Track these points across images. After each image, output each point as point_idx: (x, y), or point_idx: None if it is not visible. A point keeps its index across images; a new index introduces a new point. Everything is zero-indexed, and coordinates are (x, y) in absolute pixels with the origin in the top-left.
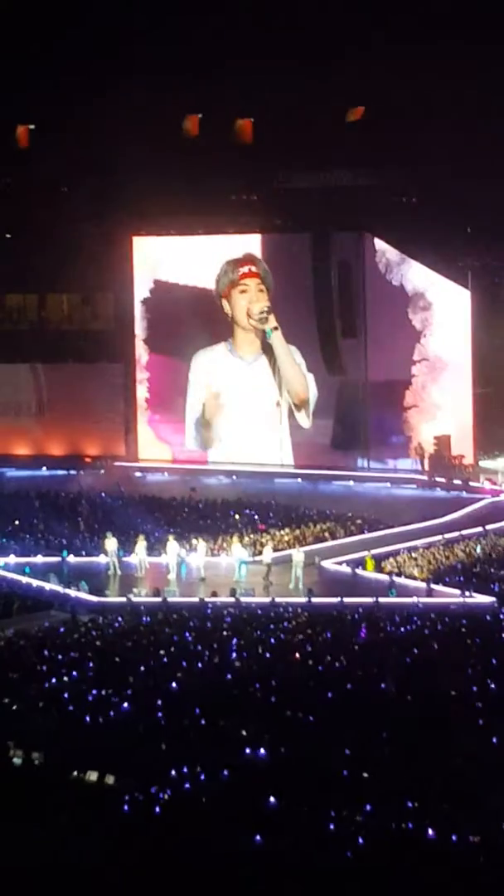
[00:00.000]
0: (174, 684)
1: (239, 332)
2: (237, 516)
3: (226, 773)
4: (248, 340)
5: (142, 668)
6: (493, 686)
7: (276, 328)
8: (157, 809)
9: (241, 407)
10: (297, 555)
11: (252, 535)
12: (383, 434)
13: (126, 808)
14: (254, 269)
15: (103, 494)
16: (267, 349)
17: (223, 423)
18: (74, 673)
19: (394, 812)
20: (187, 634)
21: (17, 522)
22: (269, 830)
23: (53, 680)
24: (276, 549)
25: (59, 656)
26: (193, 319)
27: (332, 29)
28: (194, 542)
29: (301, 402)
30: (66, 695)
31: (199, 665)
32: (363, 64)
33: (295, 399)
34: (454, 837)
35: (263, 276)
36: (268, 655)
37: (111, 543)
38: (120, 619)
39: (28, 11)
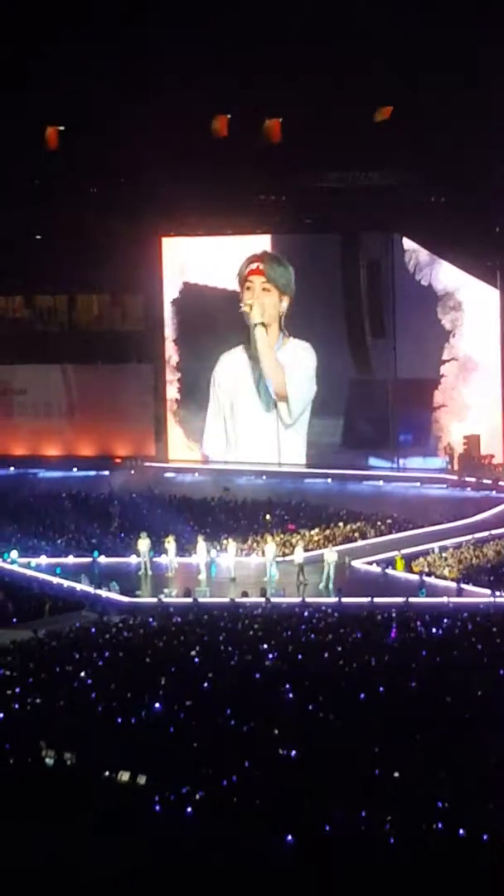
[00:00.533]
0: (205, 684)
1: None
2: (268, 516)
3: (257, 773)
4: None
5: (172, 669)
6: None
7: (261, 323)
8: (189, 810)
9: (252, 408)
10: (330, 554)
11: (282, 535)
12: (412, 434)
13: (157, 808)
14: (261, 266)
15: (134, 495)
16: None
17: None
18: (105, 673)
19: (424, 812)
20: (218, 635)
21: (48, 523)
22: (301, 831)
23: (85, 681)
24: (306, 550)
25: (92, 656)
26: (222, 320)
27: (360, 28)
28: (224, 542)
29: (280, 396)
30: (97, 695)
31: (230, 665)
32: (391, 63)
33: (275, 395)
34: (485, 837)
35: (272, 275)
36: (299, 656)
37: (144, 544)
38: (151, 619)
39: (56, 12)
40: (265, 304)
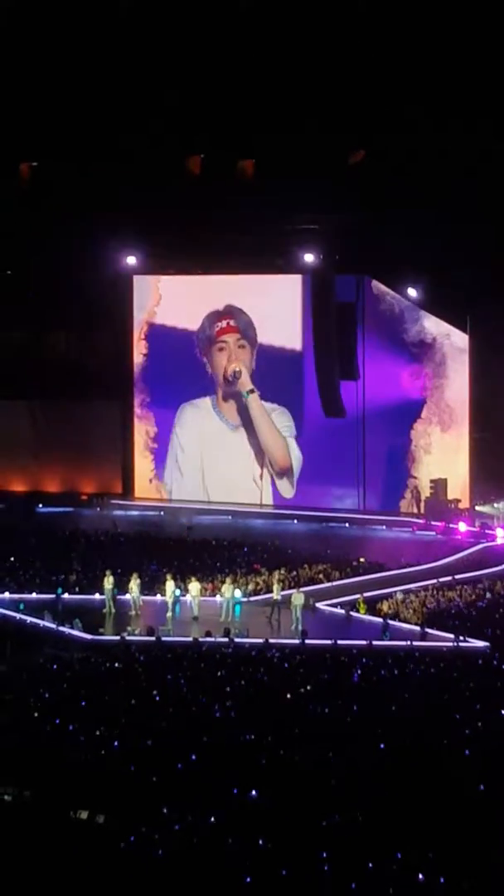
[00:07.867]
0: (166, 724)
1: (221, 391)
2: (227, 555)
3: (216, 814)
4: (231, 402)
5: (134, 708)
6: (486, 731)
7: (252, 391)
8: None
9: (225, 475)
10: (297, 597)
11: (248, 576)
12: (380, 476)
13: (122, 845)
14: (232, 322)
15: (99, 533)
16: (244, 414)
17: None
18: (67, 711)
19: (388, 859)
20: (181, 674)
21: (12, 559)
22: (261, 872)
23: (46, 718)
24: (271, 591)
25: (53, 693)
26: (187, 362)
27: (335, 71)
28: (189, 581)
29: (283, 470)
30: (58, 733)
31: (192, 705)
32: (365, 106)
33: (276, 467)
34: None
35: (244, 329)
36: (260, 696)
37: (109, 581)
38: (113, 657)
39: (28, 48)
40: (245, 365)
